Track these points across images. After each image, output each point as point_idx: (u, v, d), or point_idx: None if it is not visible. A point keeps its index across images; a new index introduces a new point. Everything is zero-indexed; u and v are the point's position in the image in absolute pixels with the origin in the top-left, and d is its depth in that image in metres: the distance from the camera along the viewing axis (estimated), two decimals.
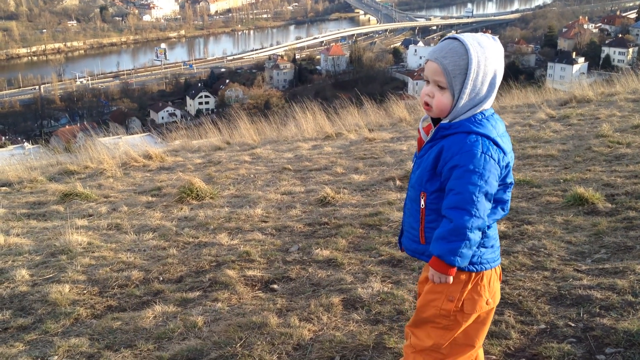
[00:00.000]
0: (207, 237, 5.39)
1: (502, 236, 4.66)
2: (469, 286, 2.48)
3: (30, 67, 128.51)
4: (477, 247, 2.43)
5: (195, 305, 3.99)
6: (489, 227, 2.47)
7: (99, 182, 8.37)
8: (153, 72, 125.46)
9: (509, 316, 3.44)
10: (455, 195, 2.34)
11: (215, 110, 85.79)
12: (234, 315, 3.78)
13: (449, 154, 2.36)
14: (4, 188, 8.57)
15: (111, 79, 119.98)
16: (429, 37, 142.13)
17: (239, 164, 8.78)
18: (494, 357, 3.06)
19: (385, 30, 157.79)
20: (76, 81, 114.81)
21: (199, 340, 3.47)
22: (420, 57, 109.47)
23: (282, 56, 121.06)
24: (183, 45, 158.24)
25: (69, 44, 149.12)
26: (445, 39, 2.45)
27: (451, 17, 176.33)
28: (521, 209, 5.28)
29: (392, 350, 3.21)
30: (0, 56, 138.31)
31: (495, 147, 2.36)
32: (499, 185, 2.42)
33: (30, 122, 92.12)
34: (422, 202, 2.47)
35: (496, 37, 2.49)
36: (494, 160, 2.34)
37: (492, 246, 2.51)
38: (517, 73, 58.43)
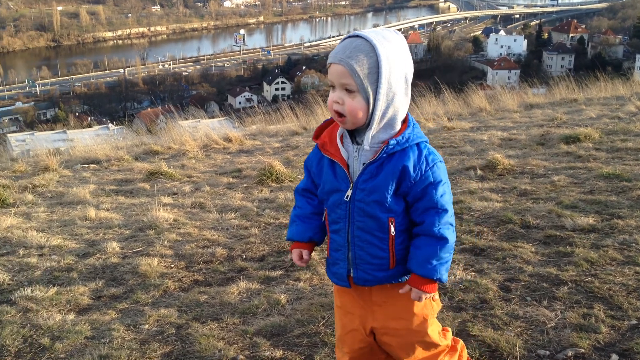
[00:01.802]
0: (288, 219, 5.45)
1: (591, 230, 4.53)
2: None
3: (115, 51, 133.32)
4: None
5: (277, 284, 4.07)
6: None
7: (181, 162, 8.62)
8: (232, 57, 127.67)
9: (599, 310, 3.34)
10: (440, 213, 2.23)
11: (291, 96, 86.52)
12: (316, 295, 3.83)
13: (417, 172, 2.22)
14: (93, 165, 8.96)
15: (192, 63, 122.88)
16: (511, 25, 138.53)
17: None
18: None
19: (465, 18, 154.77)
20: (158, 65, 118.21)
21: (283, 317, 3.55)
22: (502, 47, 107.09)
23: None
24: (261, 31, 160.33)
25: (152, 28, 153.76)
26: (346, 37, 2.23)
27: (535, 6, 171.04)
28: (611, 202, 5.10)
29: (477, 338, 3.17)
30: (88, 39, 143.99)
31: None
32: None
33: (114, 104, 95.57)
34: (393, 229, 2.27)
35: (398, 31, 2.29)
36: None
37: None
38: (604, 64, 56.13)
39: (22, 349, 3.34)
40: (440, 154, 6.98)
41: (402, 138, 2.21)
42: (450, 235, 2.25)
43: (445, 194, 2.25)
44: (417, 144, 2.24)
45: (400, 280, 2.34)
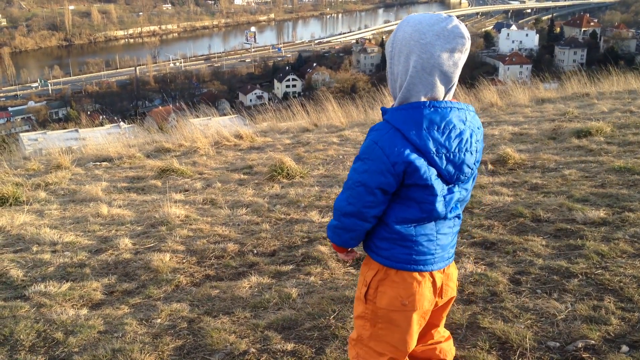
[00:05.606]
0: (299, 214, 5.49)
1: (602, 223, 4.51)
2: (380, 275, 2.27)
3: (127, 49, 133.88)
4: (388, 242, 2.22)
5: (288, 278, 4.10)
6: (416, 225, 2.20)
7: (193, 159, 8.67)
8: (243, 55, 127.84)
9: (609, 302, 3.34)
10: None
11: (301, 93, 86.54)
12: (327, 289, 3.85)
13: None
14: (105, 163, 9.03)
15: (202, 61, 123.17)
16: (522, 20, 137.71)
17: (328, 145, 8.86)
18: None
19: (477, 14, 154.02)
20: (170, 63, 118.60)
21: (294, 311, 3.57)
22: (513, 41, 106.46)
23: (369, 40, 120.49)
24: (272, 28, 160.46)
25: (163, 26, 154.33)
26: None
27: (547, 0, 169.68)
28: (622, 196, 5.08)
29: (487, 330, 3.18)
30: (99, 38, 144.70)
31: (400, 140, 2.07)
32: (412, 184, 2.10)
33: (125, 102, 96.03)
34: None
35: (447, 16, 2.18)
36: (385, 154, 2.06)
37: (408, 247, 2.20)
38: (616, 58, 55.69)
39: (36, 343, 3.38)
40: None
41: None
42: (338, 198, 2.26)
43: (353, 164, 2.21)
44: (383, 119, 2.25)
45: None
